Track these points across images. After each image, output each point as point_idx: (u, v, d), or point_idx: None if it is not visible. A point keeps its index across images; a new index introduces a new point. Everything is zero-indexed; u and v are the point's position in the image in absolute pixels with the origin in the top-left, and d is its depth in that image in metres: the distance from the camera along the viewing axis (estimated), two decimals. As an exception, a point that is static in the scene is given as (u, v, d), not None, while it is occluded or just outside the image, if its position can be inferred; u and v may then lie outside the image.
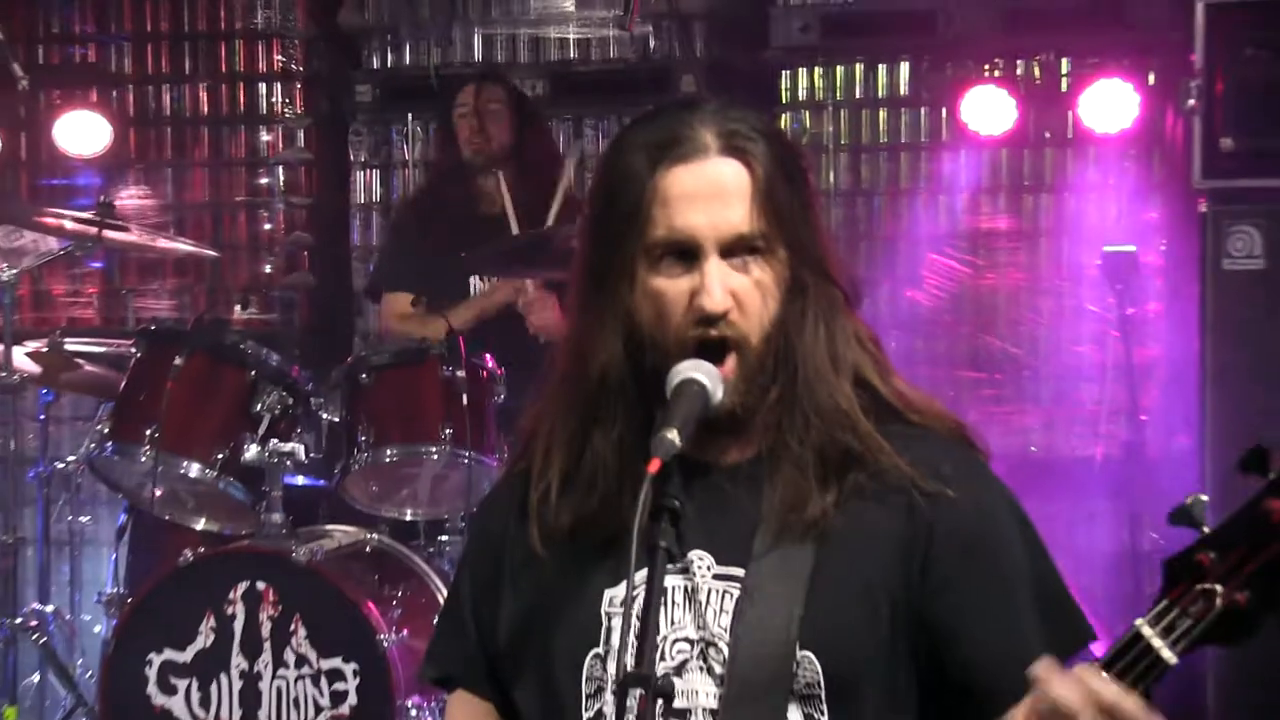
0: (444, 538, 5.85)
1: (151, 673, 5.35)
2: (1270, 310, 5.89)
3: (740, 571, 2.33)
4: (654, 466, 2.19)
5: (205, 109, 7.77)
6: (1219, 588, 1.96)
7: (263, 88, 7.73)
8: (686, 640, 2.34)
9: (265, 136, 7.73)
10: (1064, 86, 7.13)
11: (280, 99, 7.72)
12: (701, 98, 2.32)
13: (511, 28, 7.57)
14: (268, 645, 5.32)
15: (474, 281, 6.46)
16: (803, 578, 2.30)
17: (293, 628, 5.31)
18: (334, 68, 7.76)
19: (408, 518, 5.97)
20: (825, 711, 2.30)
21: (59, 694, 6.13)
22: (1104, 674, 1.98)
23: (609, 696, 2.26)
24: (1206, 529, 2.00)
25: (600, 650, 2.33)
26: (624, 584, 2.22)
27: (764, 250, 2.32)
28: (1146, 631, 1.99)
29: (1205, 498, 2.01)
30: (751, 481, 2.36)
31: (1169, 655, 1.97)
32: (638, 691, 2.14)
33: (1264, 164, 5.95)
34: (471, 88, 6.51)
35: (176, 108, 7.77)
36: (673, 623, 2.35)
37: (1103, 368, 7.04)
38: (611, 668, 2.25)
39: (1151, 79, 6.87)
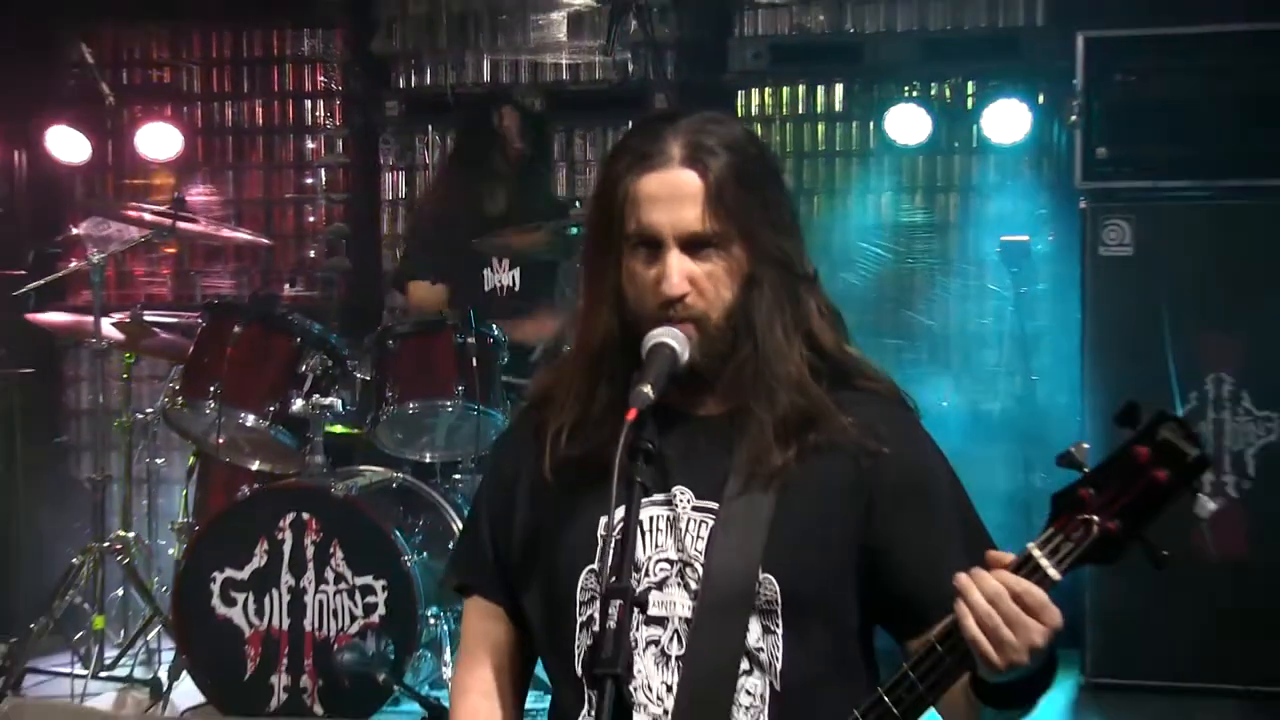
0: (457, 476, 5.85)
1: (215, 588, 5.36)
2: (1138, 289, 5.90)
3: (715, 505, 2.33)
4: (631, 415, 2.20)
5: (260, 121, 7.73)
6: (1096, 518, 2.01)
7: (308, 104, 7.70)
8: (668, 560, 2.34)
9: (310, 144, 7.71)
10: (969, 105, 7.10)
11: (322, 113, 7.69)
12: (686, 111, 2.31)
13: (514, 54, 7.52)
14: (311, 565, 5.31)
15: (485, 274, 6.41)
16: (766, 516, 2.30)
17: (332, 550, 5.31)
18: (367, 87, 7.69)
19: (427, 460, 5.91)
20: (780, 625, 2.30)
21: (139, 606, 6.11)
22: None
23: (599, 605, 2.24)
24: (1087, 469, 2.03)
25: (594, 566, 2.32)
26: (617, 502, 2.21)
27: (718, 245, 2.31)
28: (1036, 553, 2.03)
29: (1086, 445, 2.04)
30: (724, 433, 2.36)
31: (1054, 573, 2.03)
32: (617, 601, 2.15)
33: (1132, 168, 5.99)
34: (515, 114, 6.43)
35: (236, 120, 7.74)
36: (656, 546, 2.34)
37: (1001, 336, 7.04)
38: (611, 561, 2.23)
39: (1041, 99, 6.85)
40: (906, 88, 7.13)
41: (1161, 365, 5.78)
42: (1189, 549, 5.65)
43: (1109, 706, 5.66)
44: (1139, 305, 5.89)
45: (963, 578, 2.04)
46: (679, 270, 2.30)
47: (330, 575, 5.30)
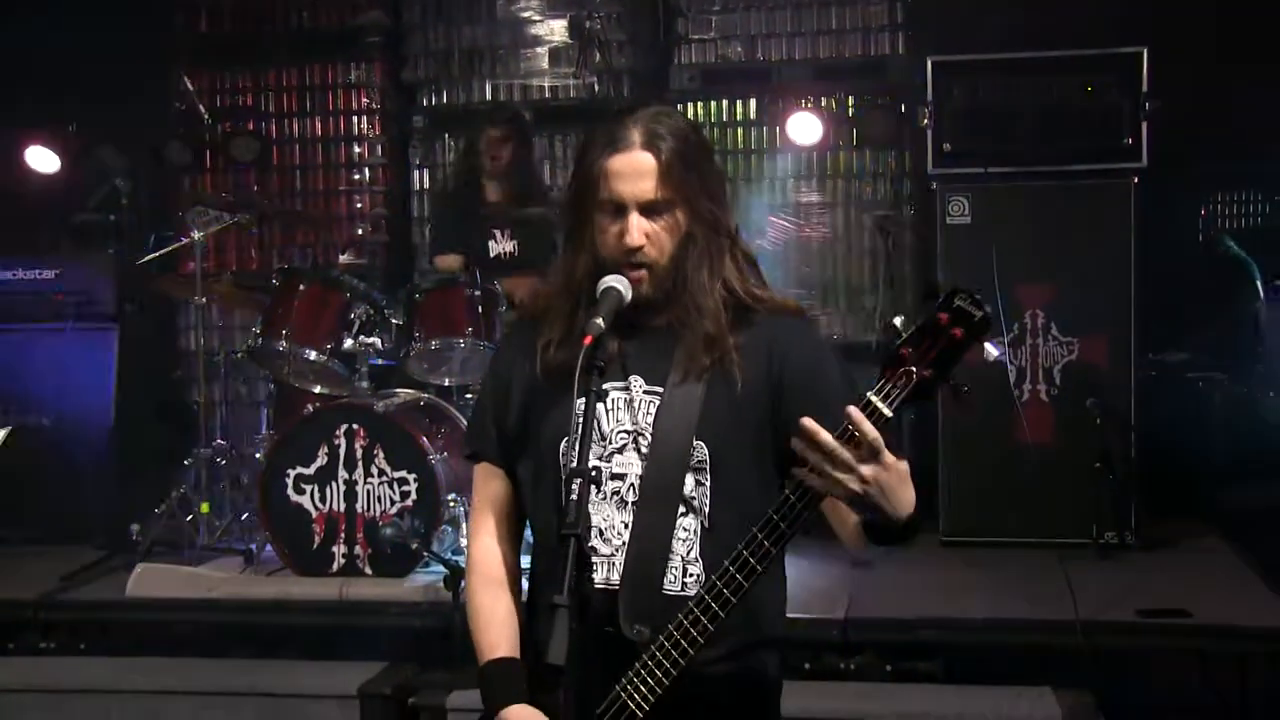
0: (469, 395, 5.77)
1: (289, 481, 5.31)
2: (975, 248, 5.87)
3: (660, 390, 2.34)
4: (587, 340, 2.23)
5: (320, 132, 7.59)
6: (914, 369, 2.05)
7: (355, 119, 7.57)
8: (625, 431, 2.35)
9: (357, 149, 7.58)
10: (850, 113, 7.05)
11: (366, 126, 7.56)
12: (645, 104, 2.33)
13: (509, 79, 7.41)
14: (360, 463, 5.26)
15: (490, 244, 6.27)
16: (699, 398, 2.32)
17: (376, 452, 5.25)
18: (399, 106, 7.59)
19: (446, 383, 5.85)
20: (708, 479, 2.32)
21: (234, 495, 6.06)
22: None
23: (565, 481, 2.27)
24: (904, 335, 2.06)
25: (570, 438, 2.30)
26: (582, 401, 2.25)
27: (666, 209, 2.32)
28: (873, 399, 2.05)
29: (902, 317, 2.15)
30: (666, 339, 2.37)
31: (887, 411, 2.05)
32: (578, 479, 2.19)
33: (968, 158, 5.96)
34: (496, 131, 6.25)
35: (302, 132, 7.61)
36: (617, 420, 2.35)
37: (876, 285, 6.95)
38: (575, 451, 2.26)
39: (902, 108, 6.81)
40: (803, 100, 7.04)
41: (992, 303, 5.73)
42: (1014, 438, 5.73)
43: (958, 559, 5.64)
44: (976, 260, 5.83)
45: (796, 441, 2.07)
46: (638, 228, 2.30)
47: (375, 470, 5.25)
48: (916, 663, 4.61)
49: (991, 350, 2.17)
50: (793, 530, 2.14)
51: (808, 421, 2.06)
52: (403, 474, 5.24)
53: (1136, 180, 5.76)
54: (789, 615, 2.49)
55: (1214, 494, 6.07)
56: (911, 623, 4.80)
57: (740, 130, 7.23)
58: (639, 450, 2.34)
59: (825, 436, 2.04)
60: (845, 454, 2.03)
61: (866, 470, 2.04)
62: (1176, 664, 4.59)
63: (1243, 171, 6.83)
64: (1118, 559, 5.54)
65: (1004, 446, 5.79)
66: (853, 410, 2.04)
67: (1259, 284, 6.77)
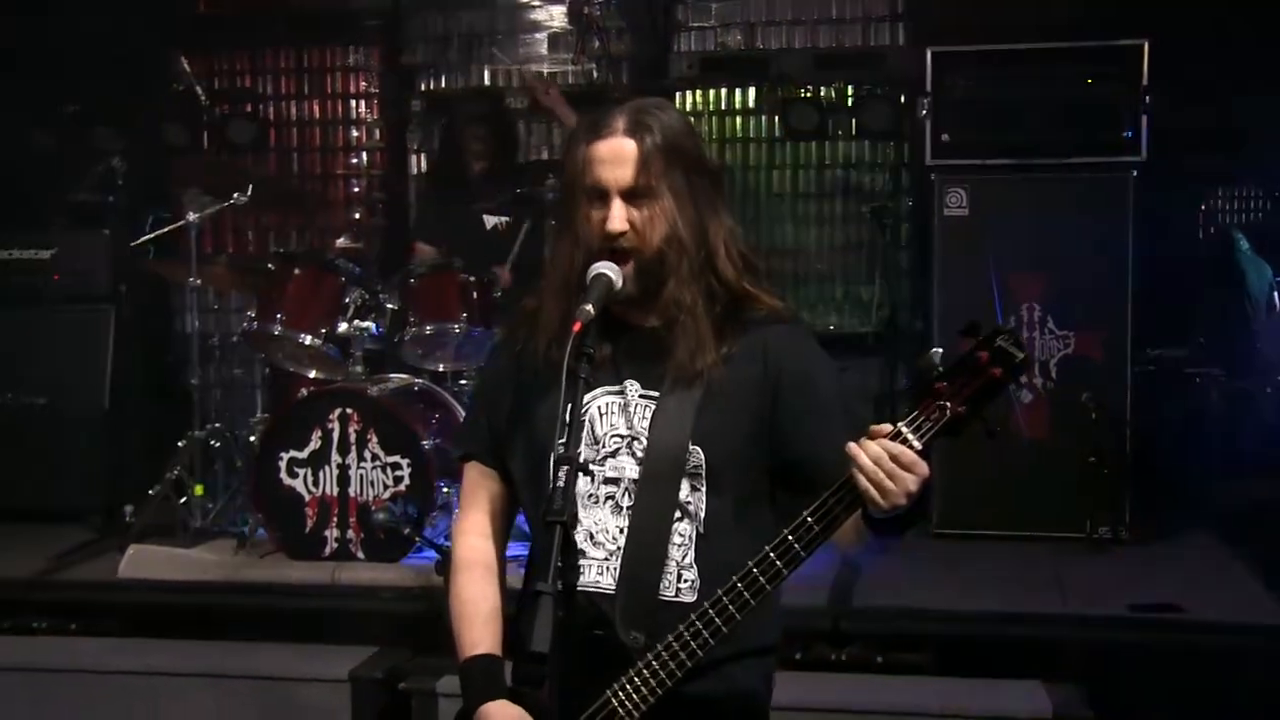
0: (463, 381, 5.76)
1: (282, 465, 5.30)
2: (972, 240, 5.85)
3: (656, 394, 2.32)
4: (576, 327, 2.20)
5: (317, 115, 7.59)
6: (948, 404, 2.05)
7: (353, 103, 7.56)
8: (619, 435, 2.33)
9: (354, 133, 7.57)
10: (849, 103, 7.03)
11: (364, 109, 7.56)
12: (636, 95, 2.34)
13: (507, 64, 7.41)
14: (354, 448, 5.24)
15: (486, 219, 6.21)
16: (695, 404, 2.29)
17: (369, 437, 5.24)
18: (397, 90, 7.58)
19: (440, 369, 5.82)
20: (704, 484, 2.30)
21: (228, 478, 6.05)
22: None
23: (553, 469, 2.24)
24: (940, 369, 2.05)
25: (563, 439, 2.29)
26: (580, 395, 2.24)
27: (649, 196, 2.29)
28: (904, 430, 2.06)
29: (940, 350, 2.08)
30: (661, 341, 2.34)
31: (917, 444, 2.05)
32: (565, 466, 2.17)
33: (967, 150, 5.93)
34: (476, 129, 6.25)
35: (300, 115, 7.60)
36: (611, 425, 2.33)
37: (874, 277, 6.93)
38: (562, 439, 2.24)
39: (901, 98, 6.79)
40: (802, 90, 7.03)
41: (989, 296, 5.74)
42: (1009, 432, 5.72)
43: (950, 551, 5.61)
44: (974, 252, 5.83)
45: (852, 445, 2.06)
46: (619, 215, 2.29)
47: (368, 455, 5.23)
48: (907, 654, 4.60)
49: (1026, 394, 2.21)
50: (808, 553, 2.14)
51: (854, 446, 2.07)
52: (396, 459, 5.22)
53: (1135, 174, 5.74)
54: (781, 603, 2.47)
55: (1209, 490, 6.06)
56: (902, 614, 4.81)
57: (739, 119, 7.20)
58: (634, 455, 2.32)
59: (876, 448, 2.05)
60: (893, 464, 2.04)
61: (912, 484, 2.05)
62: (1168, 659, 4.59)
63: (1243, 167, 6.82)
64: (1111, 553, 5.54)
65: (998, 440, 5.75)
66: (886, 441, 2.05)
67: (1268, 286, 6.77)
